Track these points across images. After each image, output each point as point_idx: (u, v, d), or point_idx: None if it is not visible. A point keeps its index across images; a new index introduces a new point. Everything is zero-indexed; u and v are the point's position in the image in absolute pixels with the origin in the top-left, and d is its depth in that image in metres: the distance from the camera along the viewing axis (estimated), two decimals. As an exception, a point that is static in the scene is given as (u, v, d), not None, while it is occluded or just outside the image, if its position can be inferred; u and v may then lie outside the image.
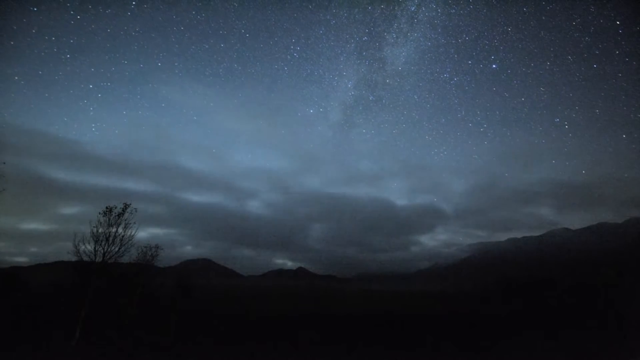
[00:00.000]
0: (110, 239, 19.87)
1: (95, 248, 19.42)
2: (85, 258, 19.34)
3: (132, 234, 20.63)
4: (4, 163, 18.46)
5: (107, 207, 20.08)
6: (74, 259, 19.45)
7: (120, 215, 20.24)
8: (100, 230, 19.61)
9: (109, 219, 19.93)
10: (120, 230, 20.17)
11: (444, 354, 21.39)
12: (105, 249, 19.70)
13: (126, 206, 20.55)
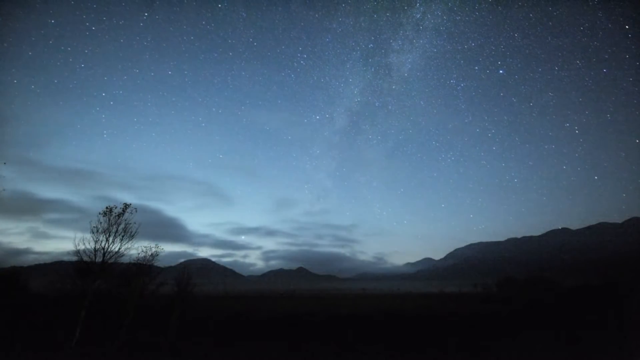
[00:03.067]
0: (110, 239, 19.85)
1: (95, 248, 19.40)
2: (85, 258, 19.32)
3: (132, 234, 20.61)
4: (4, 163, 18.47)
5: (107, 207, 20.05)
6: (74, 259, 19.44)
7: (120, 215, 20.20)
8: (100, 231, 19.58)
9: (109, 219, 19.90)
10: (120, 230, 20.14)
11: (444, 353, 21.38)
12: (106, 249, 19.68)
13: (126, 206, 20.50)
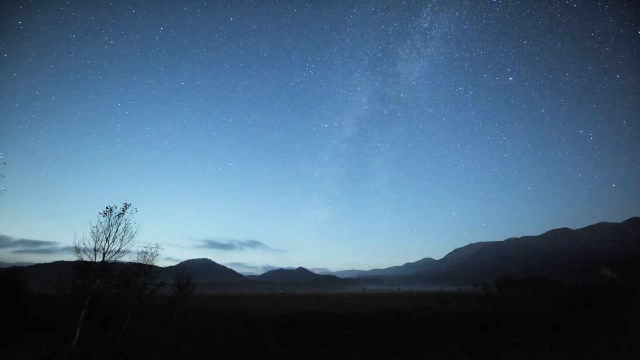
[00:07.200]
0: (110, 239, 19.80)
1: (95, 248, 19.36)
2: (86, 258, 19.28)
3: (132, 234, 20.56)
4: (5, 163, 18.46)
5: (107, 207, 19.96)
6: (74, 259, 19.38)
7: (120, 215, 20.14)
8: (100, 230, 19.53)
9: (109, 219, 19.84)
10: (120, 230, 20.08)
11: (444, 354, 21.37)
12: (106, 249, 19.64)
13: (126, 206, 20.41)
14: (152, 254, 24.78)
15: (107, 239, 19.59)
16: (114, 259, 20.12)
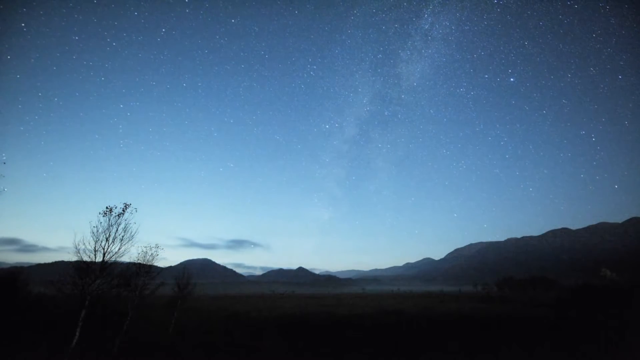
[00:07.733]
0: (110, 239, 19.79)
1: (95, 248, 19.35)
2: (85, 258, 19.27)
3: (132, 234, 20.55)
4: (4, 163, 18.46)
5: (107, 207, 19.96)
6: (73, 258, 19.37)
7: (120, 215, 20.13)
8: (100, 230, 19.52)
9: (109, 219, 19.83)
10: (120, 230, 20.08)
11: (444, 354, 21.36)
12: (106, 249, 19.63)
13: (126, 206, 20.41)
14: (152, 254, 24.77)
15: (107, 239, 19.58)
16: (114, 259, 20.11)
